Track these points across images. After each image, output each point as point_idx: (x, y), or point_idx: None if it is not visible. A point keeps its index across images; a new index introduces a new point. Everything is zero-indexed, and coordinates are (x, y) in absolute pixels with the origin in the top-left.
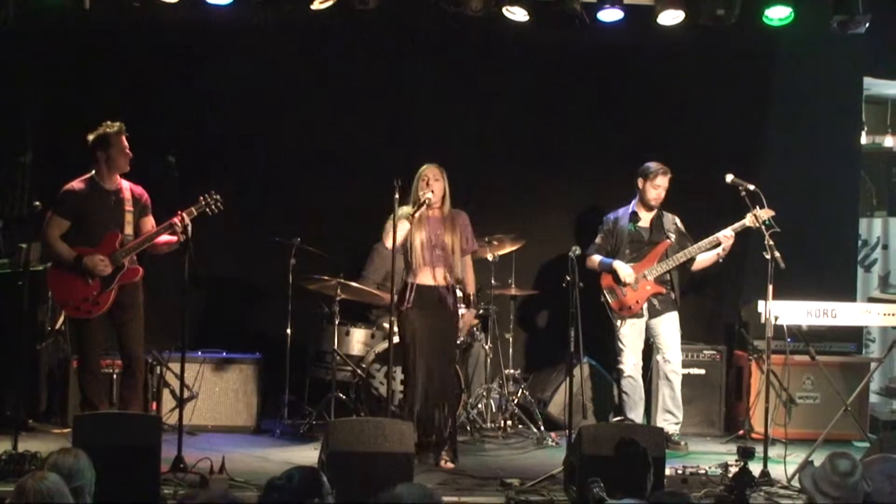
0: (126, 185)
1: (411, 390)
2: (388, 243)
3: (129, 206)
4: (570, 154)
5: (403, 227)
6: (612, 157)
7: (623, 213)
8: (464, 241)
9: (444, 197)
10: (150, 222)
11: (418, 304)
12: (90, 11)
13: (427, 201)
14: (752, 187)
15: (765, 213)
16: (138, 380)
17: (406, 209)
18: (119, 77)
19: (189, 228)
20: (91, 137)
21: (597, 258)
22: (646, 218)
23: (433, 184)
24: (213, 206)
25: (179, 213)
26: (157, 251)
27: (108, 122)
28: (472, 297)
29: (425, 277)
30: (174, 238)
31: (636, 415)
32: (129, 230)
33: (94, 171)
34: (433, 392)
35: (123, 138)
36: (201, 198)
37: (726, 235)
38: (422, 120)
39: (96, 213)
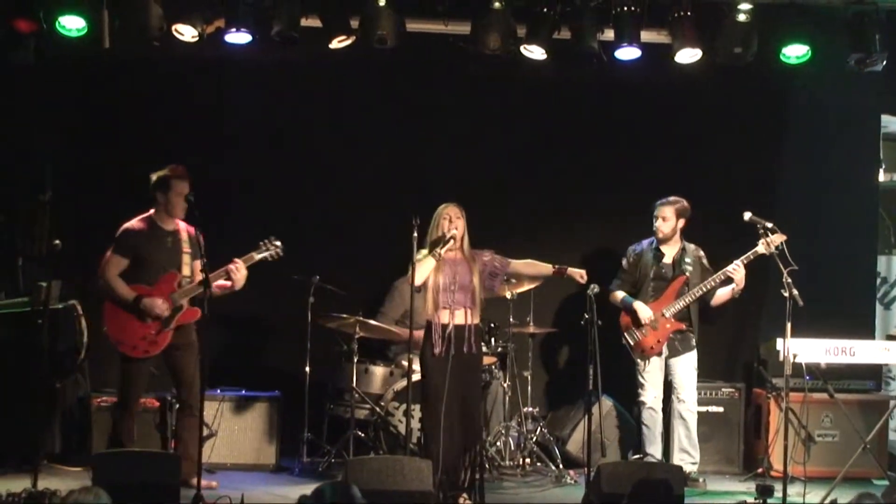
0: (182, 225)
1: (433, 434)
2: (417, 280)
3: (186, 248)
4: (588, 191)
5: (430, 264)
6: (631, 195)
7: (647, 245)
8: (484, 279)
9: (463, 237)
10: (200, 263)
11: (441, 344)
12: (110, 50)
13: (453, 237)
14: (770, 225)
15: (778, 238)
16: (197, 419)
17: (425, 251)
18: (138, 115)
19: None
20: (153, 178)
21: (619, 295)
22: (669, 254)
23: (455, 221)
24: (274, 253)
25: (235, 259)
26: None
27: (173, 165)
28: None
29: (447, 318)
30: (229, 283)
31: (655, 449)
32: (185, 271)
33: (153, 211)
34: (458, 436)
35: (185, 184)
36: (261, 244)
37: (734, 268)
38: (439, 158)
39: (154, 253)
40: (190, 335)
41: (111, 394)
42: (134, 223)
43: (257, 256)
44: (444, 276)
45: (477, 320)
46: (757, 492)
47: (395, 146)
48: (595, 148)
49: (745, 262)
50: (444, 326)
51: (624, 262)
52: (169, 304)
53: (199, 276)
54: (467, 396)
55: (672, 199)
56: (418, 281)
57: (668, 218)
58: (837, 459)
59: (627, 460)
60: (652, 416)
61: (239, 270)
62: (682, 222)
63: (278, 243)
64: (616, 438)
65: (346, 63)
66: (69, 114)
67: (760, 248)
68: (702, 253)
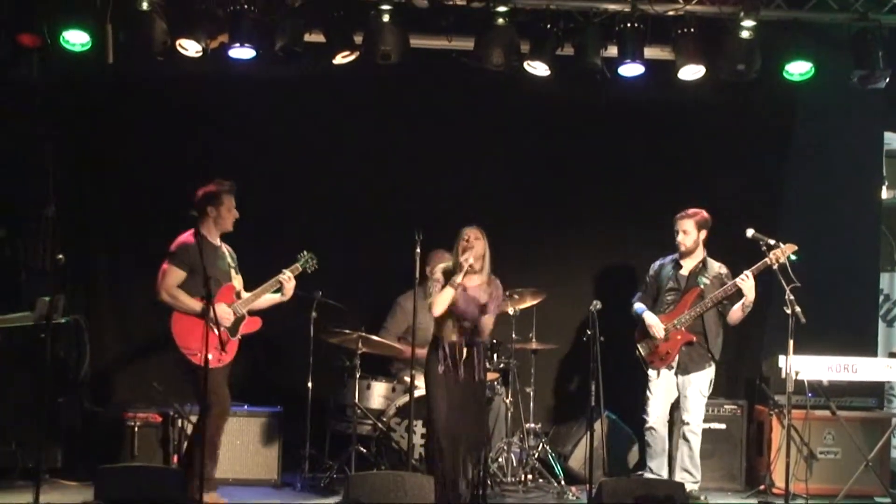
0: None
1: (436, 450)
2: (437, 312)
3: (229, 261)
4: (591, 208)
5: (448, 295)
6: (633, 211)
7: (669, 260)
8: (494, 307)
9: (483, 259)
10: (240, 279)
11: (446, 360)
12: (114, 65)
13: (470, 269)
14: (772, 242)
15: (788, 248)
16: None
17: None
18: (142, 130)
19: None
20: (201, 193)
21: (635, 307)
22: (687, 266)
23: (474, 243)
24: (310, 265)
25: (283, 270)
26: (259, 306)
27: (220, 180)
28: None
29: (455, 336)
30: (278, 297)
31: (657, 464)
32: (236, 284)
33: (199, 226)
34: (461, 453)
35: (233, 198)
36: (299, 256)
37: (743, 278)
38: (442, 173)
39: (209, 267)
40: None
41: (116, 408)
42: (188, 237)
43: (300, 268)
44: (459, 298)
45: (484, 338)
46: None
47: (398, 162)
48: (598, 163)
49: (755, 272)
50: (452, 345)
51: (647, 277)
52: (233, 313)
53: (257, 289)
54: (471, 413)
55: (691, 211)
56: (438, 312)
57: (688, 231)
58: (839, 477)
59: (629, 477)
60: (653, 436)
61: (290, 280)
62: (703, 234)
63: (312, 255)
64: (617, 455)
65: (350, 78)
66: (73, 129)
67: (769, 260)
68: (726, 271)
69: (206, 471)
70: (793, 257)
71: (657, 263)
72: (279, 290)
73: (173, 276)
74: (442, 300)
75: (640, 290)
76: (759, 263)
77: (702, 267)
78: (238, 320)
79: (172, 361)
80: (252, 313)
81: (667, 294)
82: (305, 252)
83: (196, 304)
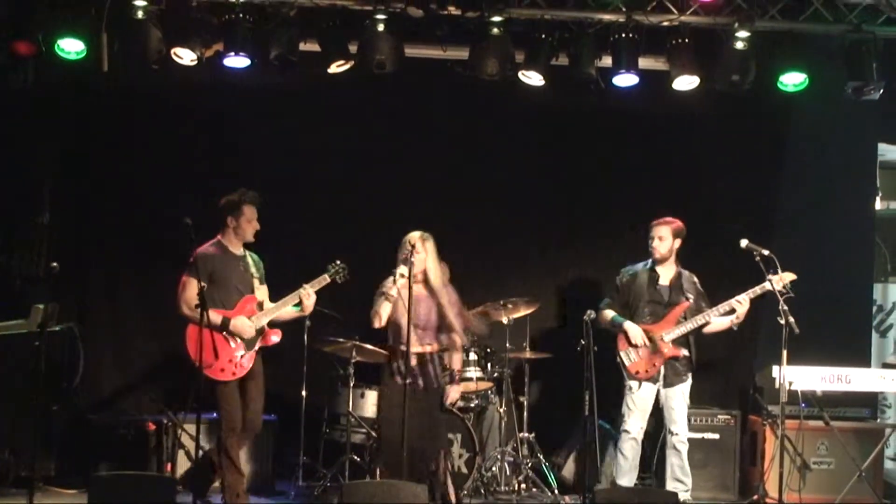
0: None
1: (387, 458)
2: (375, 324)
3: (253, 272)
4: (585, 217)
5: (387, 308)
6: (627, 221)
7: (641, 267)
8: (453, 315)
9: (426, 269)
10: (265, 289)
11: (401, 374)
12: (109, 73)
13: (389, 297)
14: (766, 252)
15: (788, 276)
16: (251, 442)
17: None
18: (136, 139)
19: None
20: (223, 201)
21: (609, 314)
22: (665, 276)
23: (413, 256)
24: (341, 275)
25: (304, 285)
26: (280, 318)
27: (243, 189)
28: (455, 373)
29: (403, 345)
30: (297, 311)
31: (627, 481)
32: (258, 295)
33: (220, 236)
34: (419, 452)
35: (255, 209)
36: (329, 266)
37: (739, 301)
38: (436, 182)
39: (228, 277)
40: (259, 362)
41: (109, 416)
42: (207, 247)
43: (328, 279)
44: (403, 315)
45: (439, 348)
46: None
47: (392, 171)
48: (592, 173)
49: (752, 296)
50: (405, 355)
51: (617, 281)
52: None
53: (278, 302)
54: (425, 424)
55: (668, 218)
56: (377, 325)
57: (664, 238)
58: (833, 487)
59: (623, 486)
60: (633, 448)
61: (310, 295)
62: (678, 242)
63: (343, 265)
64: (611, 464)
65: (345, 87)
66: (67, 137)
67: (768, 285)
68: (696, 279)
69: (235, 486)
70: (790, 285)
71: (628, 271)
72: (299, 304)
73: (193, 288)
74: (383, 312)
75: (609, 297)
76: (757, 287)
77: (679, 278)
78: (257, 333)
79: (185, 374)
80: (272, 325)
81: (646, 305)
82: (338, 262)
83: (216, 317)
